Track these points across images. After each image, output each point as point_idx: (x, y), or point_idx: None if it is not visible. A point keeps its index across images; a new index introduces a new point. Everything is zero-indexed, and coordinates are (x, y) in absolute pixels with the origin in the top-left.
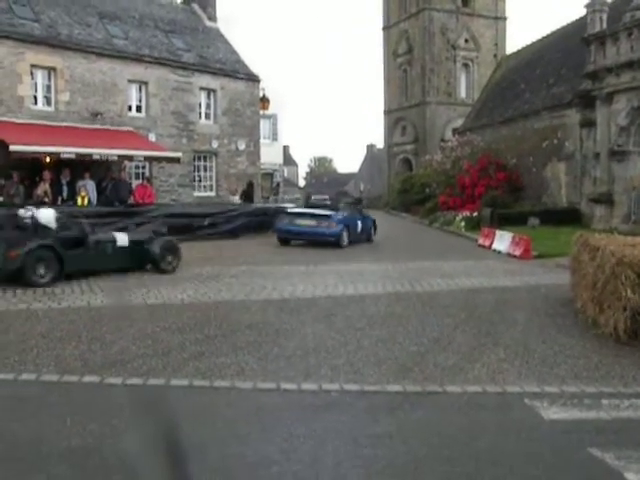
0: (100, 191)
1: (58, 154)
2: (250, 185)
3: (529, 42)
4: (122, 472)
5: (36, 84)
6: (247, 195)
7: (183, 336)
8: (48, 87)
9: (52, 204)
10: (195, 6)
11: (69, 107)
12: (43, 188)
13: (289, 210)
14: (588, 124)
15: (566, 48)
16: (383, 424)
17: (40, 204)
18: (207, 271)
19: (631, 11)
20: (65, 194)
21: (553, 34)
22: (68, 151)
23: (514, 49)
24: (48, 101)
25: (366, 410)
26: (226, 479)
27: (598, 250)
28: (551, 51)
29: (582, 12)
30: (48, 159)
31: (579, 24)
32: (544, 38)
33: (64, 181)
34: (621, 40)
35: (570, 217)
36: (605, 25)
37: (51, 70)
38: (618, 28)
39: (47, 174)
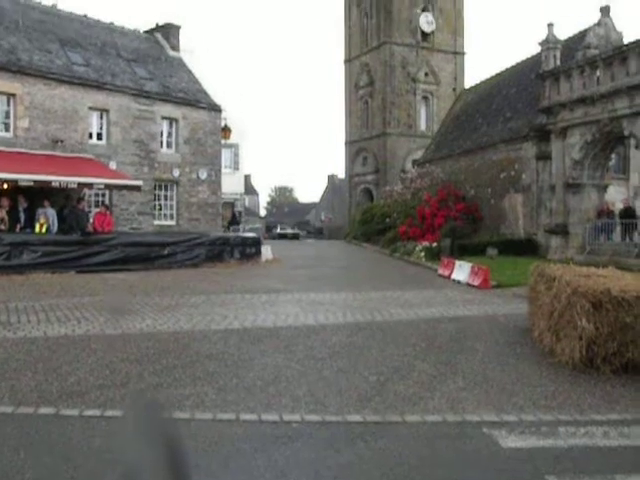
0: (61, 219)
1: (16, 181)
2: (234, 215)
3: (487, 76)
4: None
5: None
6: (233, 224)
7: (142, 367)
8: (7, 113)
9: (9, 231)
10: (158, 35)
11: (28, 134)
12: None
13: None
14: (544, 157)
15: (522, 83)
16: (344, 454)
17: None
18: (166, 301)
19: (583, 49)
20: (23, 221)
21: (509, 70)
22: (26, 178)
23: (472, 83)
24: (7, 127)
25: (327, 440)
26: None
27: (554, 280)
28: (508, 86)
29: (537, 49)
30: (5, 186)
31: (534, 60)
32: (501, 73)
33: (21, 208)
34: (574, 77)
35: (527, 247)
36: (559, 62)
37: (10, 96)
38: (571, 65)
39: (4, 201)
